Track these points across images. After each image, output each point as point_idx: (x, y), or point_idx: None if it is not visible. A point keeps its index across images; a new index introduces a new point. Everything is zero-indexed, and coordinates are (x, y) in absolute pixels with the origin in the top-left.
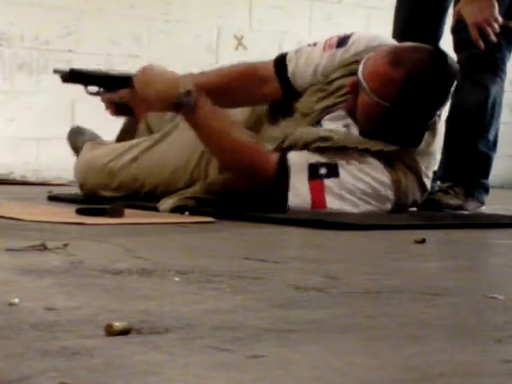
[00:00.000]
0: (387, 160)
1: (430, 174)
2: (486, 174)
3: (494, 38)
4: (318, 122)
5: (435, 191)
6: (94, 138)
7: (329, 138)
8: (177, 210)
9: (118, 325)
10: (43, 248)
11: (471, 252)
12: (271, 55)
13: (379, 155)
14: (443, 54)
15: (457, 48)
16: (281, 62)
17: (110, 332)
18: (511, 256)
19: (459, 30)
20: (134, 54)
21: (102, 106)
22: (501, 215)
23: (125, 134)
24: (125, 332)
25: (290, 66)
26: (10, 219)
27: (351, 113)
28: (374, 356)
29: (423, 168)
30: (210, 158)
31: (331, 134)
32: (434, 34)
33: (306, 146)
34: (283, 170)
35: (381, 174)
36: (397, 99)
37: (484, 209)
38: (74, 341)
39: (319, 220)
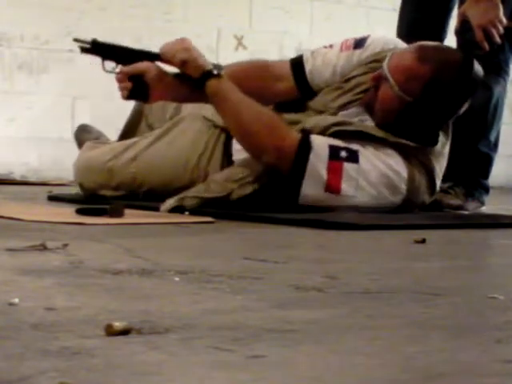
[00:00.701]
0: (404, 153)
1: (441, 176)
2: (487, 175)
3: (498, 39)
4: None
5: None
6: (100, 137)
7: (345, 122)
8: (177, 210)
9: (118, 325)
10: (43, 248)
11: (471, 252)
12: (271, 55)
13: (396, 147)
14: (471, 60)
15: (460, 49)
16: (297, 61)
17: (110, 332)
18: (511, 256)
19: (463, 31)
20: None
21: (102, 105)
22: (501, 215)
23: (127, 133)
24: (125, 332)
25: (308, 66)
26: (9, 219)
27: (368, 106)
28: (374, 356)
29: (437, 169)
30: (210, 157)
31: (347, 119)
32: (438, 35)
33: (323, 132)
34: (304, 149)
35: (398, 165)
36: (420, 95)
37: (484, 209)
38: (74, 341)
39: (319, 220)
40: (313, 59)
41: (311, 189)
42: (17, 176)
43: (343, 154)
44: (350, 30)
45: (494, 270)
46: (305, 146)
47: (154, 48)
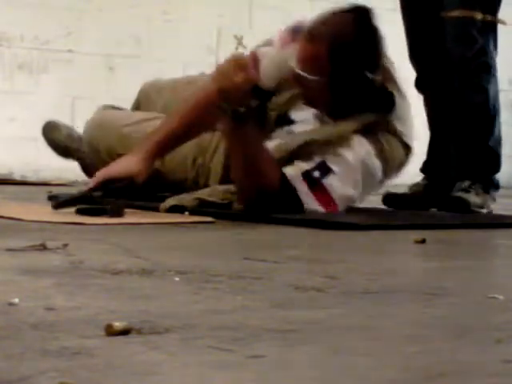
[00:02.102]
0: (367, 131)
1: (413, 135)
2: (497, 170)
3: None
4: (285, 116)
5: (456, 190)
6: (70, 132)
7: (308, 142)
8: (177, 210)
9: (118, 325)
10: (43, 248)
11: (471, 252)
12: None
13: (360, 131)
14: (363, 10)
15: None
16: None
17: (110, 332)
18: (511, 256)
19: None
20: (134, 54)
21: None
22: (501, 215)
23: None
24: (125, 332)
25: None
26: (9, 219)
27: (309, 103)
28: (374, 356)
29: (404, 130)
30: (213, 154)
31: (309, 137)
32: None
33: (292, 157)
34: (285, 186)
35: (365, 147)
36: (331, 70)
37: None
38: (74, 341)
39: (319, 220)
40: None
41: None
42: (17, 176)
43: (316, 174)
44: None
45: (494, 270)
46: (285, 186)
47: (154, 48)
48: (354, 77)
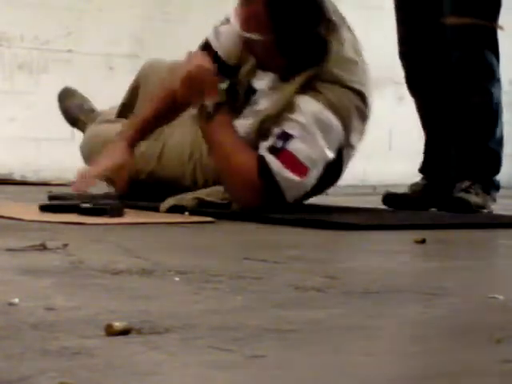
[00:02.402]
0: (307, 88)
1: (365, 81)
2: (497, 171)
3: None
4: (249, 86)
5: (456, 190)
6: (84, 103)
7: (263, 120)
8: (177, 210)
9: (117, 325)
10: (43, 248)
11: (471, 252)
12: None
13: (301, 90)
14: None
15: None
16: (206, 46)
17: (110, 332)
18: (511, 256)
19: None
20: (133, 53)
21: (102, 105)
22: (501, 215)
23: (124, 109)
24: (125, 332)
25: (216, 47)
26: (10, 219)
27: (262, 66)
28: (374, 356)
29: (347, 76)
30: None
31: (262, 116)
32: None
33: (258, 136)
34: (263, 166)
35: (310, 104)
36: (274, 25)
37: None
38: (74, 341)
39: (319, 220)
40: (216, 40)
41: (292, 191)
42: (17, 176)
43: (279, 144)
44: None
45: (494, 269)
46: (262, 166)
47: (154, 48)
48: (298, 31)
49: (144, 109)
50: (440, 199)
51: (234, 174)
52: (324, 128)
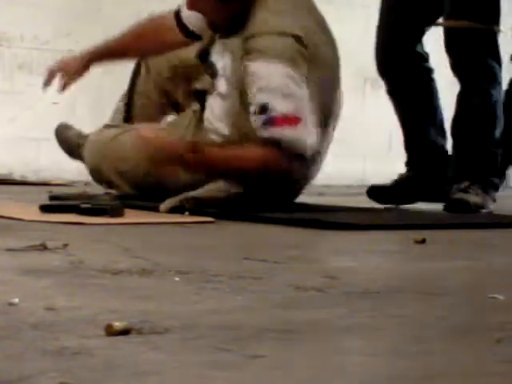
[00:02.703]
0: (246, 51)
1: (293, 22)
2: (496, 172)
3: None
4: (207, 54)
5: (455, 191)
6: (81, 132)
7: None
8: (177, 210)
9: (117, 325)
10: (43, 248)
11: (471, 252)
12: None
13: (257, 53)
14: None
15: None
16: (178, 10)
17: (110, 332)
18: (511, 256)
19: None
20: None
21: (102, 105)
22: (501, 215)
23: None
24: (125, 332)
25: (184, 13)
26: (9, 219)
27: (214, 29)
28: (374, 356)
29: (274, 23)
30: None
31: (227, 106)
32: (413, 55)
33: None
34: (270, 143)
35: (256, 64)
36: None
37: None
38: (74, 341)
39: (319, 220)
40: (184, 6)
41: (304, 142)
42: (17, 176)
43: (264, 118)
44: (349, 29)
45: (494, 269)
46: (273, 145)
47: None
48: None
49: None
50: (425, 192)
51: (256, 168)
52: (284, 78)
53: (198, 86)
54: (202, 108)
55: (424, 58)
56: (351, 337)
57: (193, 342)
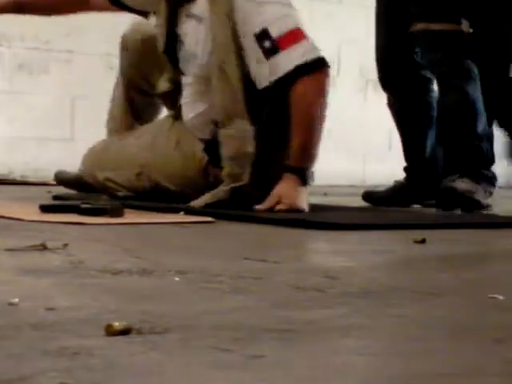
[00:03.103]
0: None
1: None
2: (484, 165)
3: None
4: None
5: (443, 184)
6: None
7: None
8: (173, 210)
9: (117, 325)
10: (43, 248)
11: (471, 252)
12: None
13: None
14: None
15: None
16: None
17: (110, 332)
18: (511, 256)
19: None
20: None
21: (102, 105)
22: (500, 215)
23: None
24: (125, 332)
25: None
26: (9, 219)
27: None
28: (374, 356)
29: None
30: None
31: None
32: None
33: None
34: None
35: (262, 5)
36: None
37: (489, 201)
38: (74, 341)
39: (319, 220)
40: None
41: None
42: (17, 176)
43: (267, 44)
44: (349, 29)
45: (494, 270)
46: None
47: None
48: None
49: None
50: (422, 195)
51: (323, 100)
52: (274, 5)
53: (161, 87)
54: (174, 106)
55: (421, 66)
56: (351, 337)
57: (193, 342)
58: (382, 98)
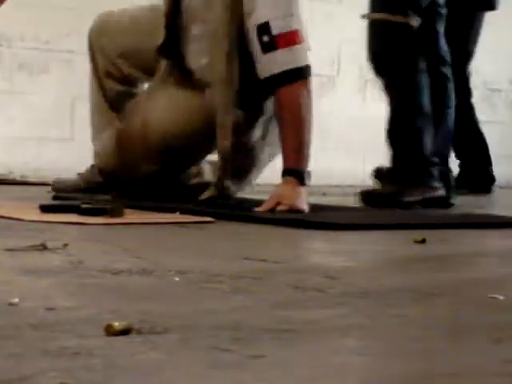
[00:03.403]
0: None
1: None
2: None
3: None
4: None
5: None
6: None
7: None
8: (170, 210)
9: (117, 325)
10: (43, 248)
11: (471, 252)
12: None
13: None
14: None
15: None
16: None
17: (110, 332)
18: (511, 256)
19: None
20: None
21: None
22: (500, 215)
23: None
24: (125, 332)
25: None
26: (9, 219)
27: None
28: (374, 356)
29: None
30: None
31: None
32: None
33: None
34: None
35: None
36: None
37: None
38: (74, 341)
39: (319, 220)
40: None
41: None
42: (17, 176)
43: (265, 38)
44: (349, 29)
45: (494, 270)
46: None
47: None
48: None
49: None
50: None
51: (309, 104)
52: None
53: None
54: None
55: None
56: (351, 337)
57: (193, 342)
58: (380, 97)
